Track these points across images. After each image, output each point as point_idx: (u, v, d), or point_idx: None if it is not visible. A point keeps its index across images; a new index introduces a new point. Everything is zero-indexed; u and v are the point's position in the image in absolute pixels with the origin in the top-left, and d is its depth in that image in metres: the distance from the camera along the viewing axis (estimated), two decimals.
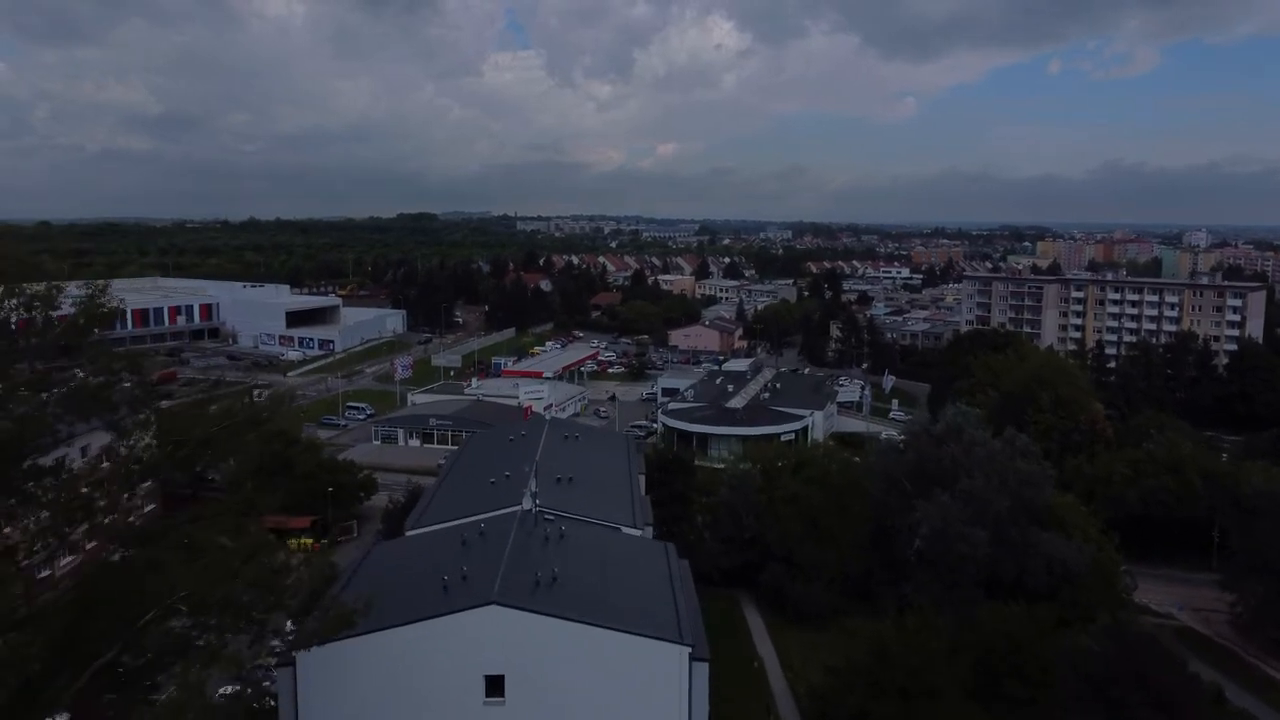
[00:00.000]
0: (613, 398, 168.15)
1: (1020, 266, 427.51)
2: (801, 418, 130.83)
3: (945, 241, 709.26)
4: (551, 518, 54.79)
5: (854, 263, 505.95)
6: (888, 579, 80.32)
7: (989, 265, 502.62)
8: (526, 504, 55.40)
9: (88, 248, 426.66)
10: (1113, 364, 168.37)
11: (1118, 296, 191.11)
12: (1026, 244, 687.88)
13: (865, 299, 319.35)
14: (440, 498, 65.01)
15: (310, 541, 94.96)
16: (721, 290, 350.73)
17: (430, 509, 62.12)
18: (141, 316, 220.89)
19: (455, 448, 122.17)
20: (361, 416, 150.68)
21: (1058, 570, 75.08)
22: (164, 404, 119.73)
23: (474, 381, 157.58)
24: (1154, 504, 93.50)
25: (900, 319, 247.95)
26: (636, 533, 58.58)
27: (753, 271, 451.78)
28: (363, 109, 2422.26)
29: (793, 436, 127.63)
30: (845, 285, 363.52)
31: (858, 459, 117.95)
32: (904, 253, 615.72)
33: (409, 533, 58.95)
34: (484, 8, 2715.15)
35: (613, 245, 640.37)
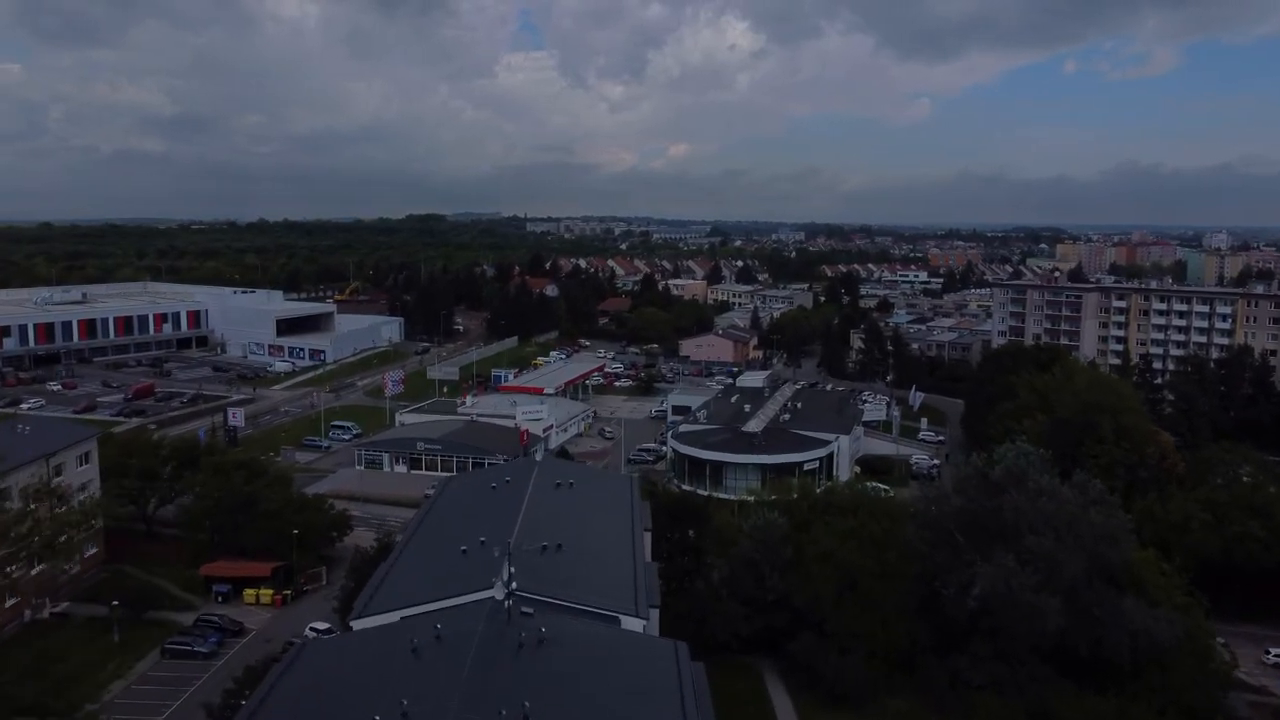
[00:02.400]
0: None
1: (1054, 270, 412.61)
2: (827, 443, 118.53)
3: (960, 243, 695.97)
4: (530, 610, 42.75)
5: (869, 266, 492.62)
6: (935, 648, 68.29)
7: (1008, 268, 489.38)
8: (498, 591, 43.37)
9: (85, 250, 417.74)
10: (1159, 380, 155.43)
11: (1164, 307, 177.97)
12: (1043, 246, 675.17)
13: (886, 305, 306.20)
14: (400, 570, 53.06)
15: (270, 593, 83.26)
16: (734, 295, 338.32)
17: (385, 587, 50.23)
18: (125, 324, 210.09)
19: (445, 474, 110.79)
20: (346, 437, 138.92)
21: (1143, 645, 63.01)
22: (117, 430, 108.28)
23: (468, 399, 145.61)
24: (1238, 553, 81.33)
25: (925, 328, 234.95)
26: (639, 624, 46.50)
27: (766, 275, 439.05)
28: (376, 110, 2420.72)
29: (817, 465, 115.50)
30: (863, 290, 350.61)
31: (889, 490, 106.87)
32: (919, 255, 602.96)
33: (354, 623, 47.05)
34: (498, 9, 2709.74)
35: (623, 247, 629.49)
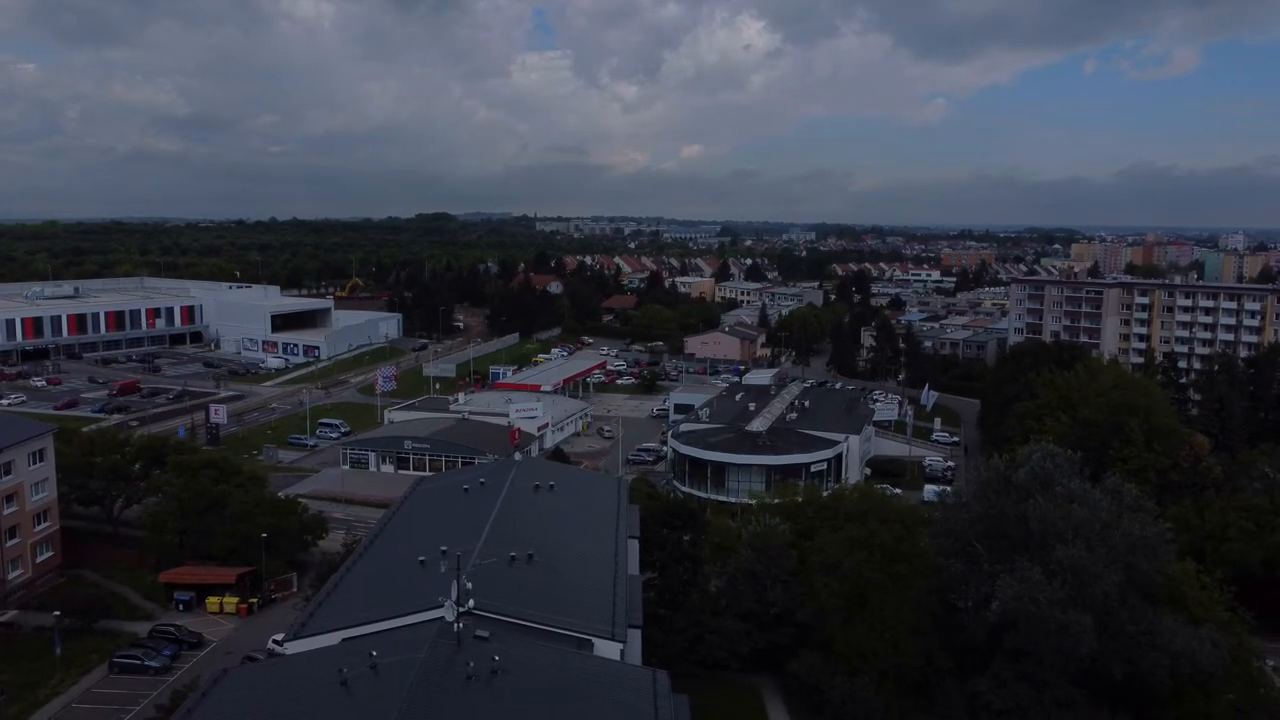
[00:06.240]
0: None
1: (1071, 269, 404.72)
2: (835, 443, 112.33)
3: (973, 244, 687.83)
4: (485, 634, 36.79)
5: (881, 265, 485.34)
6: (953, 670, 61.91)
7: (1022, 268, 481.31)
8: (448, 611, 37.33)
9: (88, 247, 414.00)
10: (1184, 380, 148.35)
11: (1189, 303, 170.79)
12: (1057, 246, 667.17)
13: (898, 303, 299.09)
14: (349, 584, 47.18)
15: (235, 601, 77.39)
16: (743, 293, 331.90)
17: (327, 605, 44.35)
18: (116, 319, 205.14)
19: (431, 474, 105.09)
20: (334, 436, 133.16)
21: (1184, 668, 56.52)
22: (87, 429, 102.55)
23: (460, 396, 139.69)
24: None
25: (938, 326, 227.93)
26: (615, 648, 40.44)
27: (776, 274, 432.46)
28: (389, 111, 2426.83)
29: (825, 466, 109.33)
30: (874, 288, 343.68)
31: (899, 492, 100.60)
32: (931, 255, 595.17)
33: (288, 645, 41.16)
34: (512, 8, 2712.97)
35: (632, 246, 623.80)
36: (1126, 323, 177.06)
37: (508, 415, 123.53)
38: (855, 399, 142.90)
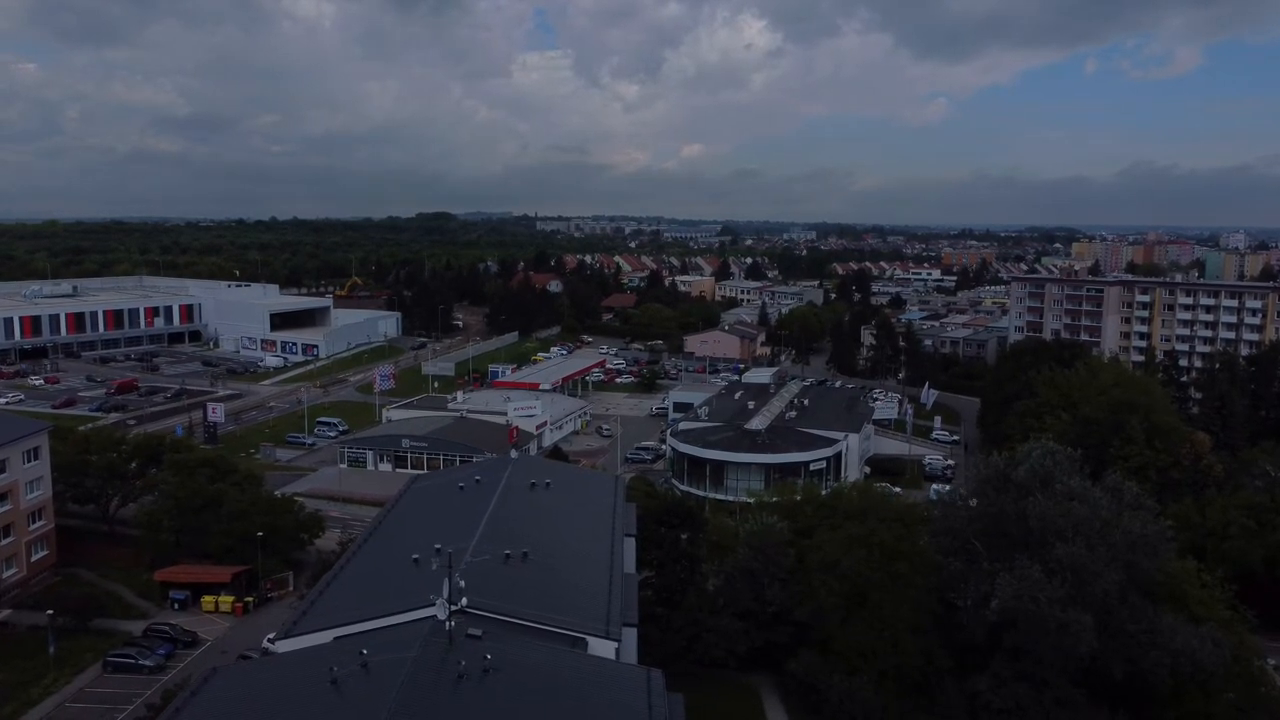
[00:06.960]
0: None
1: (1071, 268, 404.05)
2: (834, 441, 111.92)
3: (974, 243, 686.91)
4: (478, 632, 36.34)
5: (881, 264, 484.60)
6: (953, 669, 61.51)
7: (1023, 267, 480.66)
8: (440, 610, 36.89)
9: (87, 246, 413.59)
10: (1185, 378, 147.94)
11: (1190, 301, 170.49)
12: (1058, 246, 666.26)
13: (898, 302, 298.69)
14: (343, 582, 46.79)
15: (230, 600, 77.00)
16: (743, 292, 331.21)
17: (320, 604, 43.98)
18: (115, 318, 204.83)
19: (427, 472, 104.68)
20: (332, 434, 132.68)
21: (1185, 667, 56.08)
22: (84, 428, 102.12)
23: (459, 395, 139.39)
24: None
25: (938, 324, 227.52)
26: (610, 647, 40.01)
27: (776, 273, 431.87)
28: (390, 111, 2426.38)
29: (824, 465, 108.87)
30: (875, 287, 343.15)
31: (899, 491, 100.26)
32: (932, 254, 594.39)
33: (280, 644, 40.76)
34: (513, 8, 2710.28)
35: (632, 246, 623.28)
36: (1127, 321, 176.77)
37: (506, 414, 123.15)
38: (855, 397, 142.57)
